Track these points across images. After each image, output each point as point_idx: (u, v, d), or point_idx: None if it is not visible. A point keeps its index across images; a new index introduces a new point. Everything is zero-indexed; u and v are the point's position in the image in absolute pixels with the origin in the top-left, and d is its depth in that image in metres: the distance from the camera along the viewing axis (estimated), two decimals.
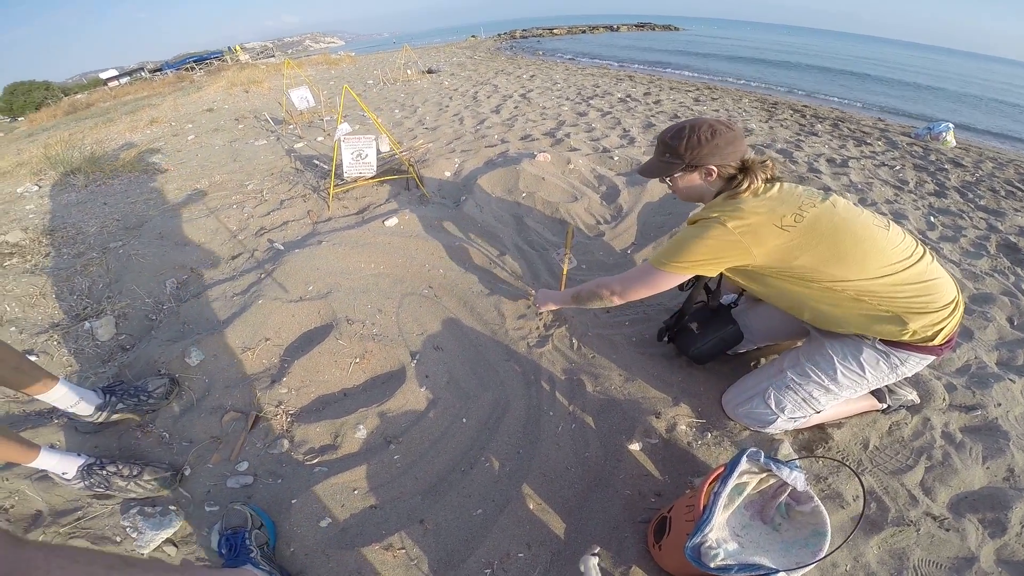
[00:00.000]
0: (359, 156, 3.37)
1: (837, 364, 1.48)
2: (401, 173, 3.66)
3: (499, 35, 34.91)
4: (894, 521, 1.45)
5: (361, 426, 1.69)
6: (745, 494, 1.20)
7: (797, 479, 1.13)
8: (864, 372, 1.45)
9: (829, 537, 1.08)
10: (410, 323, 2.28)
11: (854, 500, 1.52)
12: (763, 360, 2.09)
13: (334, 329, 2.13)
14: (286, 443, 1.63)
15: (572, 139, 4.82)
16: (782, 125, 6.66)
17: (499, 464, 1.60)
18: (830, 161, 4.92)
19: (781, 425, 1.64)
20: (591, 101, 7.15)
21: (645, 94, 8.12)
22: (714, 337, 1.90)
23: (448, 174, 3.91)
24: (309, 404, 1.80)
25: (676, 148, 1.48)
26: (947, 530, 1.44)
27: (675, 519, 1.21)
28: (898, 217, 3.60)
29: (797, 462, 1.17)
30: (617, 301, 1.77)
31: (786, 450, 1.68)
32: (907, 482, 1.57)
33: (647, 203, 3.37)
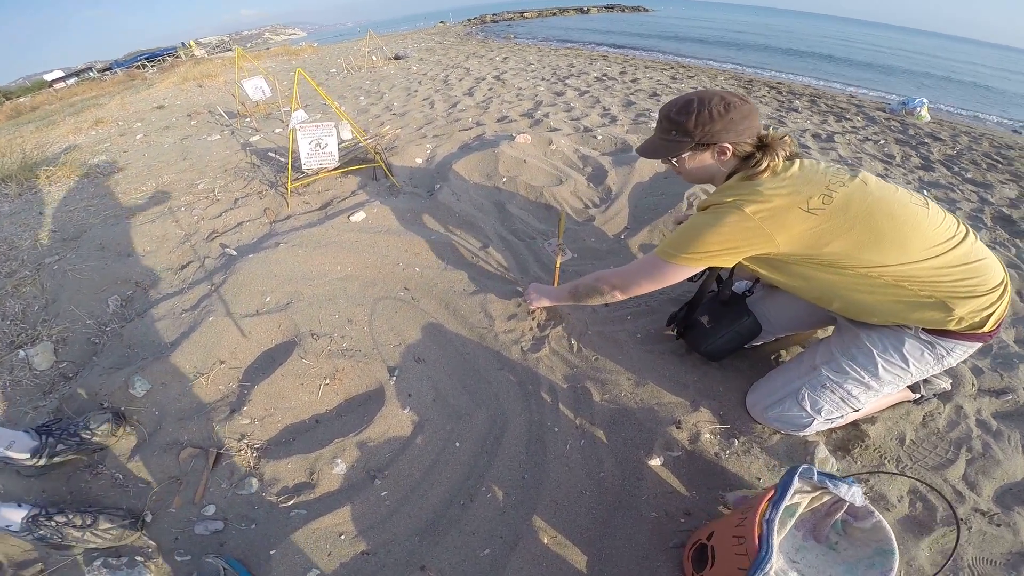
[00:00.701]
0: (318, 146, 3.03)
1: (877, 358, 1.34)
2: (367, 162, 3.33)
3: (469, 20, 34.19)
4: (943, 521, 1.36)
5: (339, 460, 1.51)
6: (797, 515, 1.10)
7: (855, 495, 1.03)
8: (908, 365, 1.32)
9: (897, 555, 1.03)
10: (386, 333, 1.99)
11: (898, 501, 1.41)
12: (784, 353, 1.88)
13: (298, 346, 1.88)
14: (255, 482, 1.46)
15: (551, 119, 4.55)
16: (761, 102, 6.65)
17: (503, 493, 1.43)
18: (815, 136, 4.91)
19: (816, 428, 1.50)
20: (567, 81, 6.90)
21: (621, 72, 7.90)
22: (729, 331, 1.70)
23: (420, 161, 3.60)
24: (277, 436, 1.61)
25: (684, 125, 1.33)
26: (997, 525, 1.37)
27: (720, 549, 1.09)
28: None
29: (852, 478, 1.06)
30: (619, 297, 1.58)
31: (823, 453, 1.51)
32: (950, 477, 1.48)
33: (637, 183, 3.13)
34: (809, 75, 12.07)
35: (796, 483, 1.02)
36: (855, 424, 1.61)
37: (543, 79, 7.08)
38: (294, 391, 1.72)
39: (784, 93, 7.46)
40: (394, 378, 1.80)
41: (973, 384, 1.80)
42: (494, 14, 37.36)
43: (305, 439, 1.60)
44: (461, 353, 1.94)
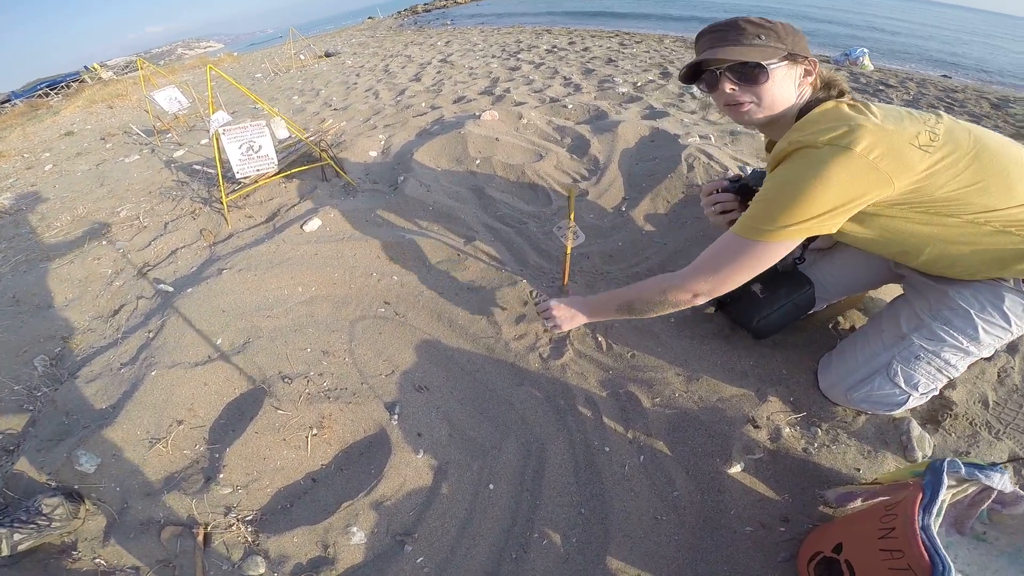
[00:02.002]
0: (250, 149, 2.59)
1: (976, 319, 1.16)
2: (313, 162, 2.88)
3: (399, 12, 32.91)
4: None
5: (353, 528, 1.25)
6: (942, 512, 0.98)
7: (1005, 482, 0.95)
8: (1010, 323, 1.15)
9: None
10: (372, 361, 1.64)
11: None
12: (842, 320, 1.64)
13: (268, 394, 1.56)
14: (262, 562, 1.24)
15: (514, 94, 4.22)
16: None
17: (561, 536, 1.21)
18: None
19: (912, 404, 1.29)
20: (519, 56, 6.56)
21: (570, 43, 7.63)
22: (787, 303, 1.44)
23: (374, 154, 3.20)
24: (270, 504, 1.37)
25: (775, 29, 1.07)
26: None
27: (862, 564, 0.96)
28: None
29: (1000, 465, 0.96)
30: (700, 301, 1.23)
31: (917, 431, 1.31)
32: None
33: (624, 150, 2.84)
34: None
35: (947, 481, 0.90)
36: (939, 393, 1.41)
37: (494, 56, 6.72)
38: (276, 448, 1.44)
39: None
40: (395, 416, 1.46)
41: None
42: (425, 3, 36.19)
43: (305, 504, 1.36)
44: (469, 372, 1.61)
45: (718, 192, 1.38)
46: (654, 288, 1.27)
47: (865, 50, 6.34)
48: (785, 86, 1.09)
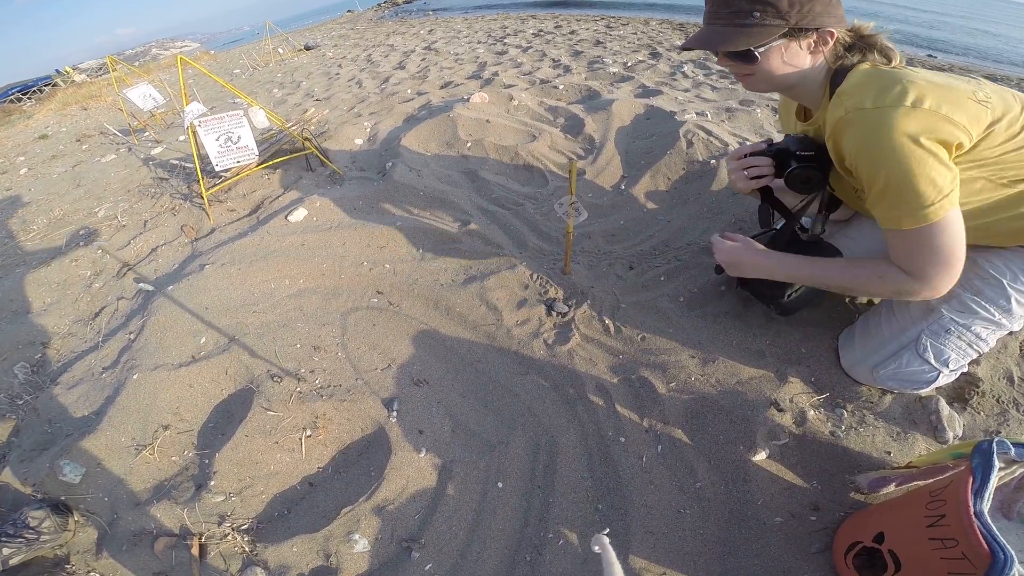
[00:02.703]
0: (229, 140, 2.46)
1: (1008, 288, 1.09)
2: (297, 151, 2.75)
3: (379, 5, 32.25)
4: None
5: (355, 535, 1.18)
6: (991, 497, 0.91)
7: None
8: None
9: None
10: (367, 355, 1.54)
11: None
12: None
13: (256, 394, 1.47)
14: (261, 573, 1.18)
15: (503, 77, 4.09)
16: None
17: (578, 535, 1.14)
18: None
19: (942, 382, 1.22)
20: (505, 40, 6.41)
21: (556, 27, 7.48)
22: None
23: (360, 142, 3.07)
24: (265, 511, 1.30)
25: (775, 2, 0.97)
26: None
27: (910, 554, 0.91)
28: None
29: None
30: (924, 297, 1.07)
31: (946, 410, 1.25)
32: None
33: (620, 128, 2.74)
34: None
35: (997, 463, 0.84)
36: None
37: (479, 42, 6.56)
38: (268, 452, 1.36)
39: None
40: (394, 413, 1.37)
41: None
42: None
43: (303, 511, 1.29)
44: (470, 363, 1.51)
45: (752, 155, 1.24)
46: (871, 271, 1.08)
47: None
48: (790, 59, 1.01)
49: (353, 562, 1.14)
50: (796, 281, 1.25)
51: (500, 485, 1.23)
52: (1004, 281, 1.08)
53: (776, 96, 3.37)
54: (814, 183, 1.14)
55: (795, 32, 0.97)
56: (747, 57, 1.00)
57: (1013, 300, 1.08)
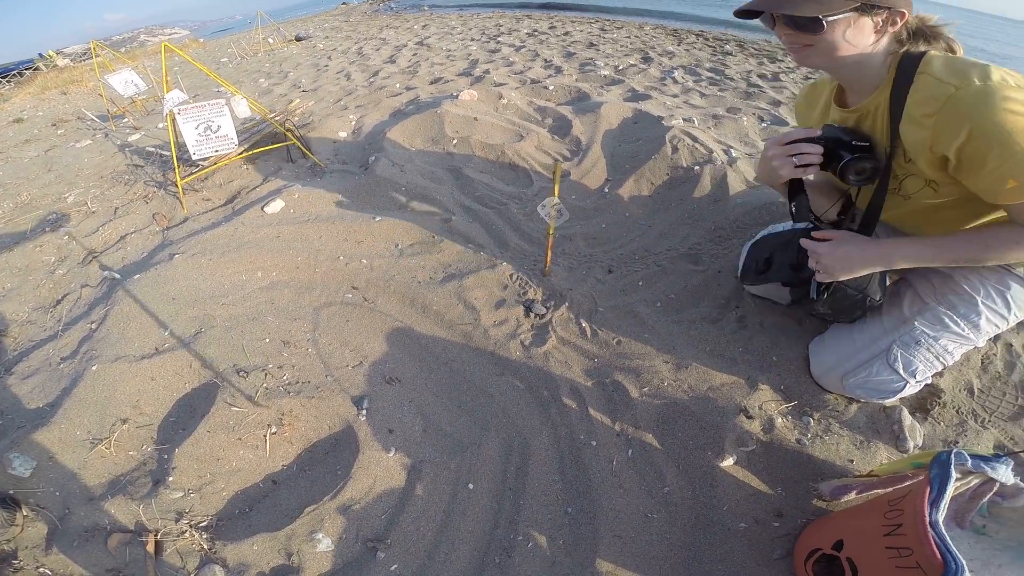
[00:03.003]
0: (208, 129, 2.41)
1: (981, 306, 1.12)
2: (278, 142, 2.69)
3: None
4: None
5: (319, 534, 1.15)
6: (946, 507, 0.94)
7: (1008, 474, 0.92)
8: (1009, 312, 1.12)
9: None
10: (338, 351, 1.51)
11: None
12: None
13: (221, 389, 1.43)
14: (220, 571, 1.15)
15: (494, 75, 4.06)
16: (696, 48, 6.54)
17: (547, 538, 1.14)
18: (761, 76, 4.80)
19: (908, 392, 1.23)
20: (499, 39, 6.40)
21: (551, 28, 7.48)
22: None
23: (344, 134, 3.03)
24: (226, 508, 1.26)
25: None
26: None
27: (866, 563, 0.92)
28: None
29: (1006, 456, 0.92)
30: None
31: (908, 420, 1.27)
32: None
33: (607, 131, 2.74)
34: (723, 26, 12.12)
35: (955, 474, 0.86)
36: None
37: (472, 39, 6.53)
38: (231, 448, 1.33)
39: (711, 40, 7.39)
40: (363, 411, 1.35)
41: None
42: None
43: (265, 509, 1.25)
44: (444, 362, 1.49)
45: (802, 141, 1.13)
46: (1016, 250, 1.00)
47: None
48: (853, 35, 0.96)
49: (316, 561, 1.12)
50: (918, 262, 1.08)
51: (471, 486, 1.21)
52: (977, 298, 1.11)
53: (762, 104, 3.37)
54: (867, 174, 1.06)
55: (867, 7, 0.93)
56: (813, 25, 0.94)
57: (983, 317, 1.11)
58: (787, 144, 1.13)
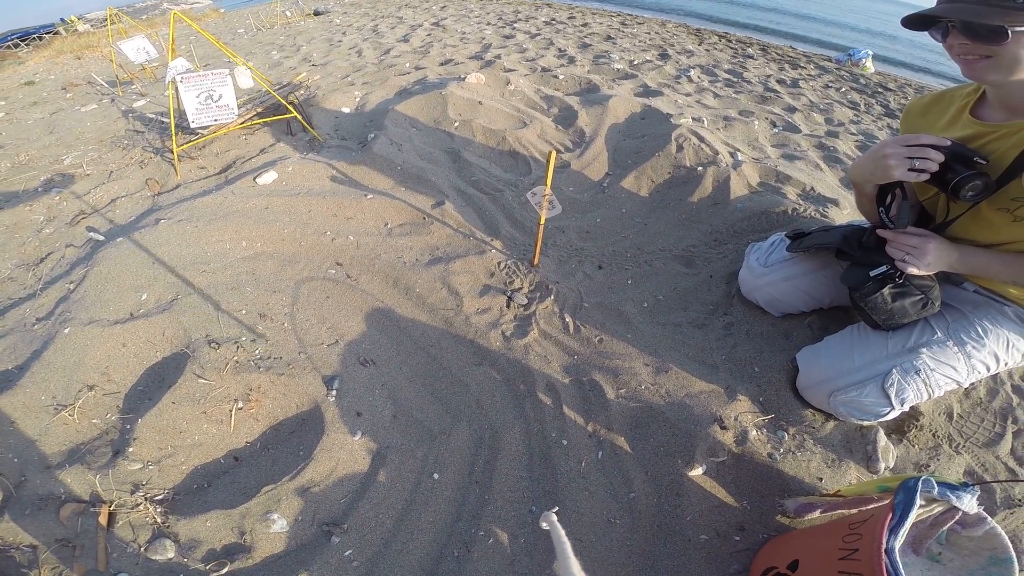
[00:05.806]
0: (209, 98, 2.38)
1: (989, 345, 1.12)
2: (280, 114, 2.65)
3: None
4: (1003, 503, 1.21)
5: (274, 515, 1.13)
6: (905, 533, 0.93)
7: (972, 503, 0.90)
8: (1008, 356, 1.14)
9: (1015, 563, 0.92)
10: (315, 328, 1.48)
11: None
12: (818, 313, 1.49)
13: (191, 360, 1.40)
14: (171, 546, 1.12)
15: (505, 60, 3.98)
16: (716, 49, 6.45)
17: (508, 536, 1.12)
18: (780, 82, 4.71)
19: (890, 417, 1.21)
20: (515, 25, 6.29)
21: (570, 17, 7.35)
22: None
23: (347, 109, 2.98)
24: (184, 483, 1.24)
25: None
26: None
27: None
28: (869, 138, 3.28)
29: (973, 486, 0.90)
30: None
31: (883, 441, 1.25)
32: (1001, 453, 1.32)
33: (612, 125, 2.67)
34: (752, 31, 11.87)
35: (919, 502, 0.85)
36: None
37: (489, 24, 6.42)
38: (195, 422, 1.30)
39: (734, 42, 7.29)
40: (333, 392, 1.32)
41: None
42: None
43: (224, 485, 1.23)
44: (422, 347, 1.46)
45: (930, 147, 1.09)
46: None
47: (869, 52, 6.15)
48: None
49: (268, 542, 1.09)
50: (984, 273, 1.14)
51: (436, 476, 1.19)
52: (987, 340, 1.11)
53: (777, 109, 3.29)
54: (978, 191, 1.05)
55: None
56: (997, 35, 0.90)
57: (982, 363, 1.12)
58: (911, 145, 1.09)
